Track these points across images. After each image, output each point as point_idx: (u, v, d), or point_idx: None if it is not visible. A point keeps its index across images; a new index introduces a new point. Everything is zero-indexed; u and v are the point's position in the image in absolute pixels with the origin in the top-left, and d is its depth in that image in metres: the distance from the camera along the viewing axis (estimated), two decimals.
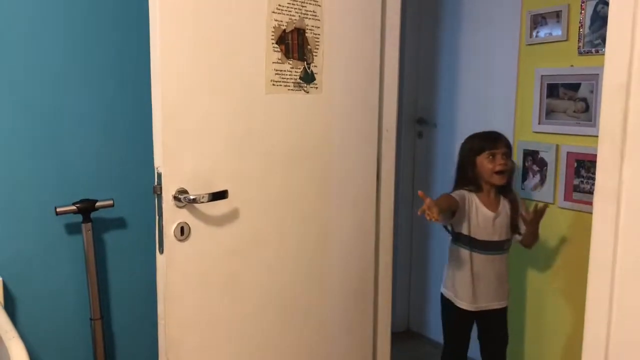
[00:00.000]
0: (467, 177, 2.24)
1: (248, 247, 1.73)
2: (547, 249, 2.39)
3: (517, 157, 2.45)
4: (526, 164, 2.43)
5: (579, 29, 2.18)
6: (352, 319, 2.11)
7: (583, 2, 2.17)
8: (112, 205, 1.92)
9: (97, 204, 1.89)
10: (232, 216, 1.67)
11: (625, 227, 1.12)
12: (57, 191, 1.85)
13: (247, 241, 1.72)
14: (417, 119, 3.17)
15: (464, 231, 2.20)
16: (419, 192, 1.95)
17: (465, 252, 2.23)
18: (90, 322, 1.93)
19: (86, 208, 1.87)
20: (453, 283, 2.27)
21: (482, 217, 2.21)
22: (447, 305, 2.31)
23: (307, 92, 1.82)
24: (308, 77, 1.81)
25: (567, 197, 2.28)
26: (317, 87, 1.85)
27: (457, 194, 2.20)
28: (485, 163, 2.17)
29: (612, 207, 1.13)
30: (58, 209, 1.82)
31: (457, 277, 2.26)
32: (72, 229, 1.90)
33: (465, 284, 2.24)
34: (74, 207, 1.85)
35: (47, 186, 1.84)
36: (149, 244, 1.67)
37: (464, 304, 2.23)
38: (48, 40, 1.81)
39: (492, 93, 2.61)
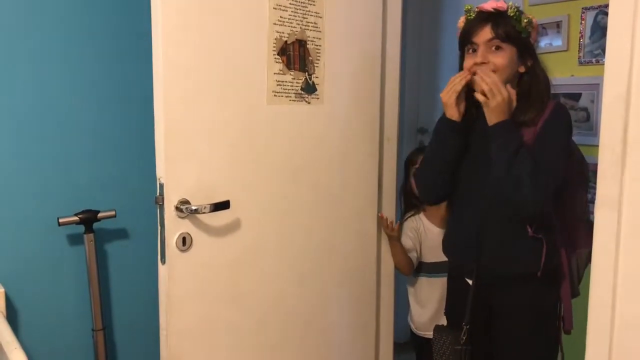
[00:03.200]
0: (407, 193, 2.28)
1: (250, 257, 1.73)
2: None
3: None
4: None
5: (579, 39, 2.19)
6: (354, 328, 2.10)
7: (583, 13, 2.18)
8: (115, 216, 1.93)
9: (100, 214, 1.89)
10: (234, 226, 1.68)
11: (626, 235, 1.12)
12: (60, 202, 1.86)
13: (249, 251, 1.72)
14: (418, 128, 3.17)
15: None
16: (380, 214, 2.09)
17: (412, 278, 2.29)
18: (92, 332, 1.93)
19: (88, 219, 1.87)
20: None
21: (431, 235, 2.21)
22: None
23: (309, 103, 1.83)
24: (309, 88, 1.82)
25: None
26: (318, 98, 1.86)
27: (407, 233, 2.24)
28: (412, 180, 2.16)
29: (613, 215, 1.13)
30: (60, 220, 1.83)
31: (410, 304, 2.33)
32: (75, 240, 1.91)
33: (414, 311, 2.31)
34: (76, 218, 1.85)
35: (50, 197, 1.85)
36: (151, 255, 1.67)
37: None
38: (52, 51, 1.82)
39: None
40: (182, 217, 1.56)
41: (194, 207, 1.54)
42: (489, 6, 1.65)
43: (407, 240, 2.22)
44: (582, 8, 2.18)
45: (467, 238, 1.73)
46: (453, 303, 1.87)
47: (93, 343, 1.93)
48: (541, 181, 1.53)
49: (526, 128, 1.62)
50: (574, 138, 2.23)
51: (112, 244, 2.01)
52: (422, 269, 2.23)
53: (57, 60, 1.83)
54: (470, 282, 1.73)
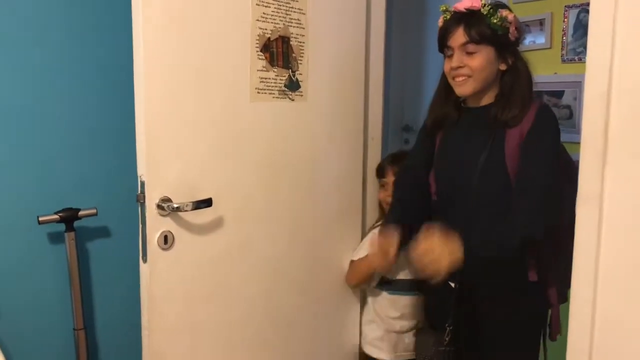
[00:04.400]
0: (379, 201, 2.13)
1: (233, 255, 1.72)
2: None
3: None
4: None
5: (562, 37, 2.20)
6: (338, 327, 2.10)
7: (566, 11, 2.19)
8: (96, 214, 1.91)
9: (81, 212, 1.87)
10: (216, 224, 1.67)
11: (607, 232, 1.12)
12: (40, 200, 1.84)
13: (232, 249, 1.71)
14: (403, 126, 3.17)
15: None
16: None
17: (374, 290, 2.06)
18: (73, 332, 1.90)
19: (69, 217, 1.85)
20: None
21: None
22: None
23: (292, 100, 1.82)
24: (293, 85, 1.81)
25: None
26: (302, 95, 1.85)
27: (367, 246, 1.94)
28: (380, 192, 2.10)
29: (594, 212, 1.14)
30: (40, 218, 1.80)
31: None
32: (55, 238, 1.88)
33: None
34: (56, 216, 1.83)
35: (30, 195, 1.82)
36: (133, 253, 1.66)
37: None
38: (30, 46, 1.79)
39: None
40: (164, 215, 1.55)
41: (175, 205, 1.52)
42: (461, 6, 1.60)
43: (361, 252, 2.02)
44: (565, 6, 2.19)
45: None
46: (436, 304, 1.81)
47: (74, 342, 1.91)
48: (536, 214, 1.51)
49: (510, 129, 1.58)
50: None
51: (93, 243, 1.99)
52: (384, 284, 2.01)
53: (37, 57, 1.81)
54: (453, 285, 1.66)
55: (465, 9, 1.58)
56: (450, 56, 1.61)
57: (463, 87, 1.61)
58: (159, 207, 1.53)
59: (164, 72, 1.51)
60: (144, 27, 1.46)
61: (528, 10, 2.30)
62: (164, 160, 1.53)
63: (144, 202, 1.52)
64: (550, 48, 2.25)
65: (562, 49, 2.21)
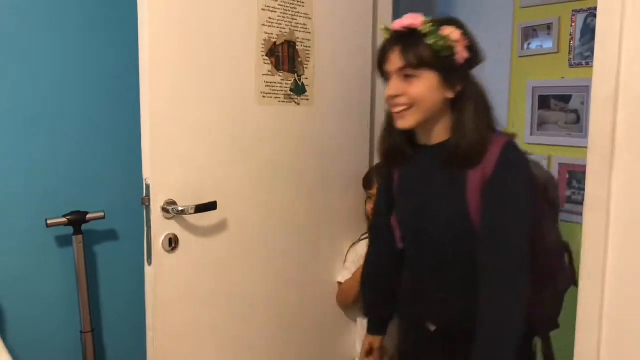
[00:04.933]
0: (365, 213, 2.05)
1: (237, 257, 1.72)
2: None
3: None
4: None
5: (570, 42, 2.19)
6: (340, 329, 2.10)
7: (573, 15, 2.18)
8: (104, 217, 1.91)
9: (88, 216, 1.88)
10: (221, 227, 1.67)
11: (614, 236, 1.12)
12: (48, 203, 1.84)
13: (236, 252, 1.71)
14: None
15: None
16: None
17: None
18: (80, 334, 1.91)
19: (77, 220, 1.86)
20: None
21: None
22: None
23: (298, 104, 1.82)
24: (299, 89, 1.82)
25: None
26: (308, 99, 1.85)
27: (350, 265, 2.00)
28: (367, 203, 2.01)
29: (601, 216, 1.13)
30: (48, 221, 1.81)
31: None
32: (63, 241, 1.89)
33: None
34: (64, 219, 1.84)
35: (38, 198, 1.83)
36: (139, 256, 1.66)
37: None
38: (38, 50, 1.81)
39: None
40: (169, 218, 1.55)
41: (180, 208, 1.53)
42: (399, 25, 1.38)
43: (346, 273, 2.01)
44: (573, 10, 2.18)
45: (417, 291, 1.56)
46: (410, 346, 1.67)
47: (81, 345, 1.91)
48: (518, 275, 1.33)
49: (470, 171, 1.36)
50: (565, 140, 2.23)
51: (100, 246, 1.99)
52: None
53: (45, 59, 1.82)
54: (431, 328, 1.52)
55: (403, 27, 1.37)
56: (388, 82, 1.40)
57: (403, 120, 1.39)
58: (164, 210, 1.53)
59: (169, 76, 1.52)
60: (149, 31, 1.47)
61: (536, 15, 2.29)
62: (168, 163, 1.54)
63: (149, 205, 1.52)
64: (557, 52, 2.24)
65: (569, 53, 2.20)
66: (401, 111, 1.38)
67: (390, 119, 1.47)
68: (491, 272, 1.33)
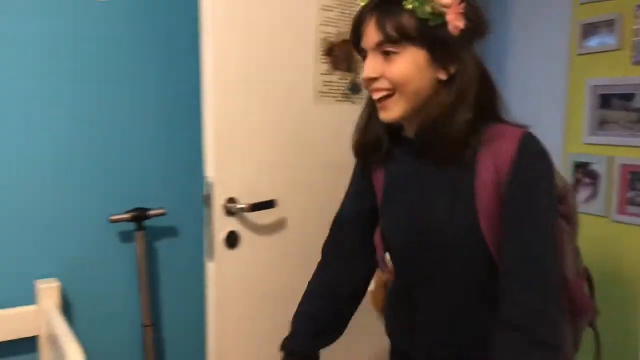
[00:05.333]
0: None
1: (295, 254, 1.75)
2: (599, 263, 2.33)
3: (567, 170, 2.40)
4: (577, 177, 2.38)
5: (633, 38, 2.13)
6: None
7: (637, 10, 2.12)
8: (164, 214, 1.97)
9: (150, 212, 1.94)
10: (279, 225, 1.70)
11: None
12: (112, 200, 1.91)
13: (294, 249, 1.74)
14: None
15: None
16: None
17: None
18: (141, 328, 1.97)
19: (139, 216, 1.92)
20: None
21: None
22: None
23: (354, 103, 1.84)
24: (355, 88, 1.83)
25: (620, 211, 2.21)
26: (363, 98, 1.86)
27: None
28: None
29: None
30: (112, 217, 1.88)
31: None
32: (126, 237, 1.96)
33: None
34: (127, 215, 1.90)
35: (103, 195, 1.90)
36: (199, 252, 1.71)
37: None
38: (98, 53, 1.87)
39: (539, 104, 2.58)
40: (229, 216, 1.58)
41: (240, 206, 1.56)
42: None
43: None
44: (636, 5, 2.12)
45: (405, 322, 1.24)
46: None
47: (141, 338, 1.98)
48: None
49: (476, 169, 1.05)
50: (627, 139, 2.17)
51: (161, 242, 2.05)
52: None
53: (105, 62, 1.89)
54: None
55: None
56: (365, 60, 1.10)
57: (386, 112, 1.09)
58: (225, 207, 1.57)
59: (231, 77, 1.55)
60: (212, 33, 1.51)
61: (596, 11, 2.24)
62: (230, 162, 1.57)
63: (211, 202, 1.56)
64: (619, 49, 2.18)
65: (632, 50, 2.14)
66: (382, 99, 1.08)
67: (371, 102, 1.17)
68: (517, 327, 0.97)
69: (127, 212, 1.91)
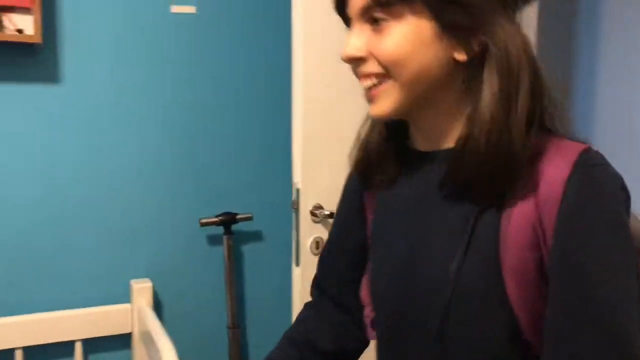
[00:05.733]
0: None
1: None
2: None
3: None
4: None
5: None
6: None
7: None
8: (252, 219, 2.02)
9: (238, 216, 1.99)
10: None
11: None
12: (202, 205, 1.98)
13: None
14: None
15: None
16: None
17: None
18: (227, 330, 2.02)
19: (227, 220, 1.97)
20: None
21: None
22: None
23: None
24: None
25: None
26: None
27: None
28: None
29: None
30: (202, 221, 1.94)
31: None
32: (214, 240, 2.02)
33: None
34: (216, 219, 1.96)
35: (192, 200, 1.97)
36: (284, 257, 1.73)
37: None
38: (188, 59, 1.95)
39: (638, 101, 2.40)
40: (316, 222, 1.60)
41: (327, 212, 1.58)
42: None
43: None
44: None
45: None
46: None
47: (227, 339, 2.03)
48: None
49: (509, 206, 0.71)
50: None
51: (248, 246, 2.10)
52: None
53: (199, 68, 1.96)
54: None
55: None
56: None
57: (377, 104, 0.78)
58: (312, 214, 1.59)
59: (322, 84, 1.57)
60: (303, 41, 1.53)
61: None
62: (317, 169, 1.59)
63: (298, 208, 1.59)
64: None
65: None
66: (372, 87, 0.77)
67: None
68: None
69: (216, 216, 1.97)
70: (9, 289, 1.77)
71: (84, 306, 1.83)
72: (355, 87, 1.60)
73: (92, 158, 1.83)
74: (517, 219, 0.70)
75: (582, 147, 0.70)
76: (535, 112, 0.72)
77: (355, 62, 0.78)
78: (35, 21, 1.65)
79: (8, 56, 1.71)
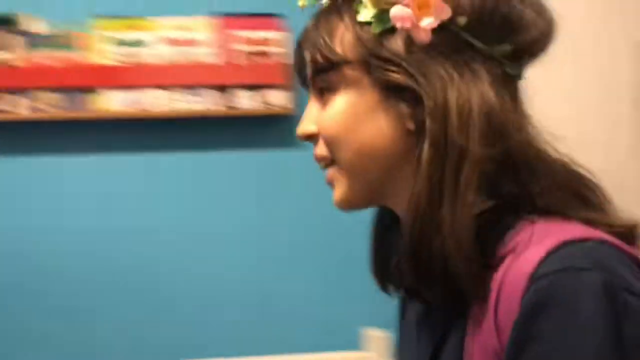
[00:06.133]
0: None
1: None
2: None
3: None
4: None
5: None
6: None
7: None
8: None
9: None
10: None
11: None
12: None
13: None
14: None
15: None
16: None
17: None
18: None
19: None
20: None
21: None
22: None
23: None
24: None
25: None
26: None
27: None
28: None
29: None
30: None
31: None
32: None
33: None
34: None
35: None
36: None
37: None
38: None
39: None
40: None
41: None
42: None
43: None
44: None
45: None
46: None
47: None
48: None
49: (474, 319, 0.54)
50: None
51: None
52: None
53: None
54: None
55: None
56: None
57: (334, 193, 0.64)
58: None
59: None
60: None
61: None
62: None
63: None
64: None
65: None
66: (328, 173, 0.64)
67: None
68: None
69: None
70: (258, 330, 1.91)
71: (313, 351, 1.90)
72: None
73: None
74: (479, 349, 0.53)
75: (560, 239, 0.49)
76: (512, 195, 0.54)
77: (312, 140, 0.64)
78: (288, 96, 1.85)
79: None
